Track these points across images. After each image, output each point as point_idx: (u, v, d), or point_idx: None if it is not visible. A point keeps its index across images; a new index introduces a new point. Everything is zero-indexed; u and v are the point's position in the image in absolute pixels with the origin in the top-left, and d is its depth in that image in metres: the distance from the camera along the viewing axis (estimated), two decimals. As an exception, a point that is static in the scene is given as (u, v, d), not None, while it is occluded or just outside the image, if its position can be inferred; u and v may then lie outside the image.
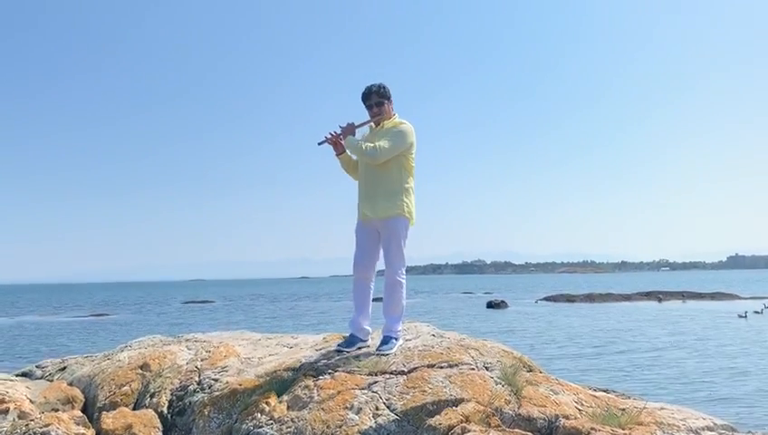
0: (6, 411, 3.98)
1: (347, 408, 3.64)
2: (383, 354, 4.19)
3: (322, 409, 3.66)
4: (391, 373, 3.95)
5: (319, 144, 4.51)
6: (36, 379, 5.16)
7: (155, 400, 4.24)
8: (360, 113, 4.50)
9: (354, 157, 4.51)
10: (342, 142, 4.44)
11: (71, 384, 4.75)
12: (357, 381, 3.88)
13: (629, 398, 4.56)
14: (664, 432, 3.48)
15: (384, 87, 4.40)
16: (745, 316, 24.41)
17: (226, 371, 4.38)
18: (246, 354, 4.72)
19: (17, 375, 5.33)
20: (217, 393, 4.07)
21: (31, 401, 4.25)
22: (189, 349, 4.87)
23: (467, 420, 3.49)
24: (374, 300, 4.51)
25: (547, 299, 41.21)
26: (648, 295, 41.63)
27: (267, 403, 3.81)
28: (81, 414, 4.15)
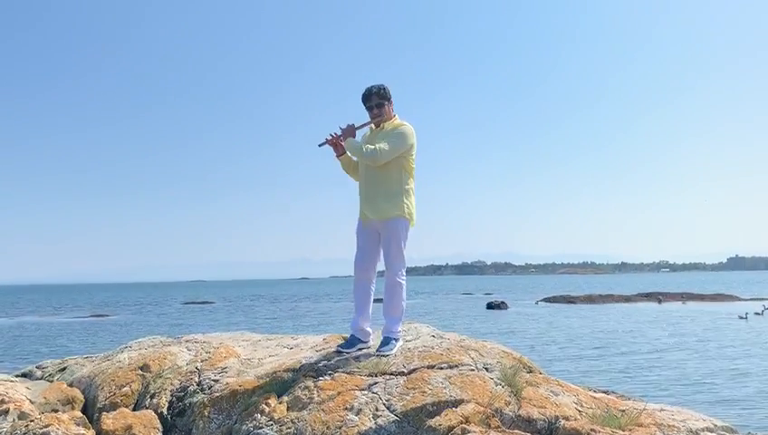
0: (6, 412, 3.98)
1: (347, 409, 3.64)
2: (383, 355, 4.19)
3: (322, 410, 3.66)
4: (391, 374, 3.95)
5: (319, 146, 4.51)
6: (36, 379, 5.16)
7: (155, 400, 4.25)
8: (361, 114, 4.51)
9: (355, 158, 4.51)
10: (343, 144, 4.44)
11: (71, 385, 4.75)
12: (357, 382, 3.89)
13: (629, 399, 4.56)
14: (664, 434, 3.49)
15: (384, 88, 4.40)
16: (746, 318, 24.41)
17: (226, 372, 4.38)
18: (246, 355, 4.72)
19: (17, 376, 5.33)
20: (217, 394, 4.07)
21: (31, 401, 4.25)
22: (189, 350, 4.87)
23: (467, 421, 3.49)
24: (374, 301, 4.51)
25: (547, 300, 41.23)
26: (649, 297, 41.65)
27: (267, 404, 3.81)
28: (81, 415, 4.15)
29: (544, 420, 3.60)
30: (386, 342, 4.31)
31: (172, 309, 43.10)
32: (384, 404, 3.66)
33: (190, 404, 4.12)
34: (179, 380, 4.39)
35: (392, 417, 3.56)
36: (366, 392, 3.76)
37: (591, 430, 3.40)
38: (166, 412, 4.15)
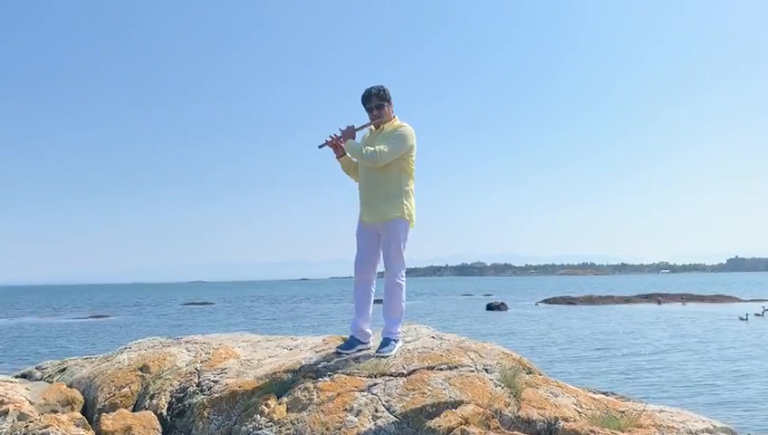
0: (6, 413, 3.98)
1: (346, 410, 3.64)
2: (383, 356, 4.19)
3: (322, 411, 3.66)
4: (391, 375, 3.95)
5: (319, 147, 4.52)
6: (36, 380, 5.16)
7: (154, 401, 4.25)
8: (361, 116, 4.51)
9: (355, 159, 4.51)
10: (343, 145, 4.45)
11: (70, 386, 4.75)
12: (356, 383, 3.88)
13: (629, 400, 4.56)
14: (663, 435, 3.48)
15: (384, 89, 4.40)
16: (746, 319, 24.40)
17: (226, 372, 4.38)
18: (246, 356, 4.72)
19: (17, 377, 5.33)
20: (217, 395, 4.07)
21: (30, 402, 4.25)
22: (189, 351, 4.87)
23: (467, 422, 3.49)
24: (374, 302, 4.51)
25: (547, 301, 41.21)
26: (648, 298, 41.64)
27: (267, 405, 3.81)
28: (81, 416, 4.15)
29: (544, 422, 3.60)
30: (385, 343, 4.31)
31: (172, 310, 43.08)
32: (384, 405, 3.66)
33: (190, 405, 4.12)
34: (179, 381, 4.39)
35: (392, 418, 3.55)
36: (365, 394, 3.76)
37: (591, 431, 3.40)
38: (165, 413, 4.15)
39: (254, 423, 3.72)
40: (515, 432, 3.47)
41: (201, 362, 4.61)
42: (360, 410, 3.62)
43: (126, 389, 4.41)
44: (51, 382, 4.98)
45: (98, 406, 4.31)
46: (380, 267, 4.50)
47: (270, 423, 3.69)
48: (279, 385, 4.02)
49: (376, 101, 4.37)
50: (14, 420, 3.93)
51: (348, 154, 4.49)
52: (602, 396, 4.42)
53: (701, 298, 40.72)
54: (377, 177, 4.34)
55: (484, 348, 4.41)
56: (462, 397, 3.68)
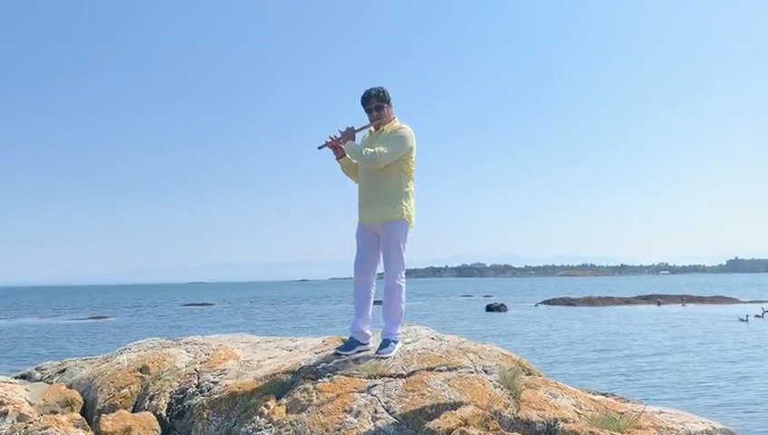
0: (5, 414, 3.98)
1: (346, 411, 3.64)
2: (382, 358, 4.19)
3: (321, 412, 3.66)
4: (390, 377, 3.95)
5: (319, 148, 4.52)
6: (35, 381, 5.16)
7: (154, 402, 4.25)
8: (361, 117, 4.52)
9: (354, 161, 4.52)
10: (342, 147, 4.45)
11: (70, 387, 4.75)
12: (356, 384, 3.89)
13: (628, 402, 4.56)
14: (663, 436, 3.48)
15: (383, 91, 4.41)
16: (747, 320, 24.40)
17: (225, 374, 4.38)
18: (245, 357, 4.72)
19: (16, 377, 5.32)
20: (216, 396, 4.07)
21: (30, 403, 4.25)
22: (188, 352, 4.87)
23: (466, 423, 3.50)
24: (374, 303, 4.51)
25: (547, 302, 41.20)
26: (648, 299, 41.64)
27: (266, 406, 3.81)
28: (80, 417, 4.15)
29: (543, 423, 3.60)
30: (385, 344, 4.31)
31: (171, 311, 43.07)
32: (383, 406, 3.66)
33: (189, 406, 4.12)
34: (178, 382, 4.39)
35: (391, 419, 3.56)
36: (365, 395, 3.76)
37: (590, 432, 3.40)
38: (165, 414, 4.15)
39: (253, 424, 3.72)
40: (515, 434, 3.47)
41: (201, 364, 4.61)
42: (360, 412, 3.62)
43: (125, 390, 4.41)
44: (50, 383, 4.98)
45: (97, 407, 4.31)
46: (380, 268, 4.51)
47: (269, 424, 3.69)
48: (278, 386, 4.02)
49: (375, 102, 4.38)
50: (13, 421, 3.93)
51: (347, 155, 4.50)
52: (602, 397, 4.42)
53: (701, 299, 40.72)
54: (376, 178, 4.34)
55: (484, 349, 4.41)
56: (461, 398, 3.68)
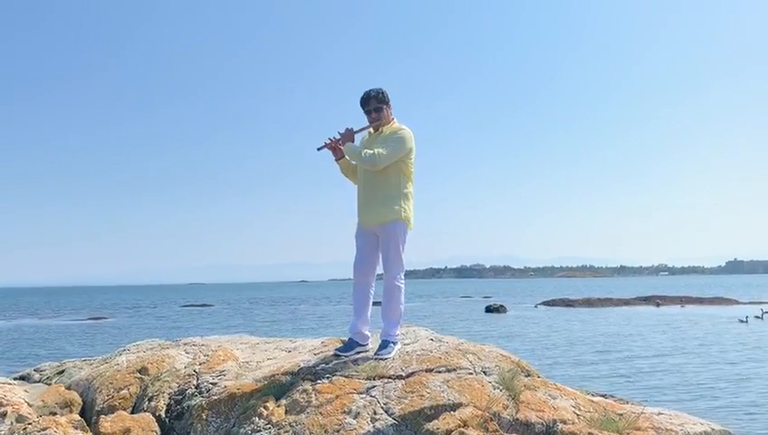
0: (4, 415, 3.98)
1: (345, 412, 3.64)
2: (381, 359, 4.19)
3: (320, 413, 3.66)
4: (389, 378, 3.95)
5: (318, 149, 4.53)
6: (34, 382, 5.15)
7: (153, 404, 4.24)
8: (361, 118, 4.52)
9: (353, 162, 4.52)
10: (341, 148, 4.45)
11: (69, 388, 4.74)
12: (355, 385, 3.89)
13: (627, 403, 4.56)
14: (662, 437, 3.48)
15: (383, 92, 4.41)
16: (746, 321, 24.41)
17: (224, 375, 4.38)
18: (245, 358, 4.72)
19: (15, 378, 5.32)
20: (215, 397, 4.07)
21: (29, 404, 4.25)
22: (188, 353, 4.87)
23: (465, 424, 3.50)
24: (373, 304, 4.51)
25: (546, 303, 41.22)
26: (647, 300, 41.64)
27: (265, 407, 3.81)
28: (79, 418, 4.15)
29: (542, 424, 3.60)
30: (384, 345, 4.31)
31: (170, 312, 43.05)
32: (382, 408, 3.66)
33: (188, 407, 4.11)
34: (177, 383, 4.39)
35: (390, 420, 3.56)
36: (364, 396, 3.76)
37: (589, 433, 3.40)
38: (164, 415, 4.15)
39: (252, 425, 3.72)
40: (514, 435, 3.47)
41: (200, 365, 4.61)
42: (359, 413, 3.62)
43: (124, 391, 4.40)
44: (49, 384, 4.98)
45: (96, 408, 4.31)
46: (380, 269, 4.51)
47: (268, 425, 3.69)
48: (277, 387, 4.02)
49: (374, 103, 4.38)
50: (12, 422, 3.92)
51: (347, 157, 4.50)
52: (601, 399, 4.42)
53: (700, 301, 40.73)
54: (376, 179, 4.35)
55: (483, 350, 4.41)
56: (460, 399, 3.68)
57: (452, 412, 3.58)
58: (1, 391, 4.32)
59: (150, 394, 4.34)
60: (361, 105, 4.44)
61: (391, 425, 3.53)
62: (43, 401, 4.35)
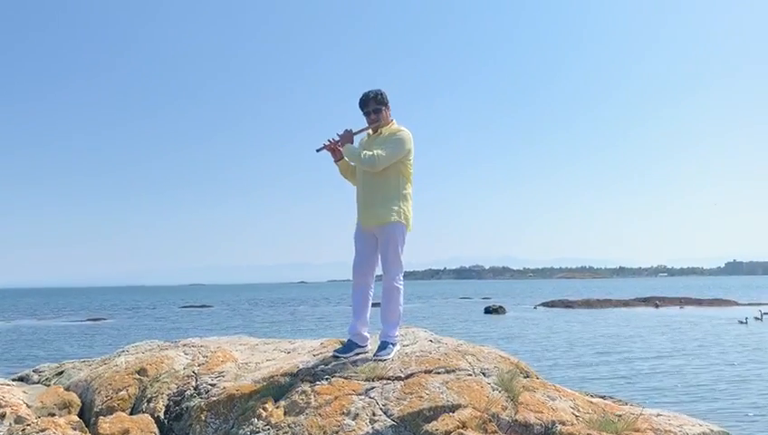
0: (3, 416, 3.97)
1: (344, 413, 3.64)
2: (380, 360, 4.19)
3: (319, 414, 3.66)
4: (388, 379, 3.95)
5: (317, 151, 4.53)
6: (33, 383, 5.15)
7: (152, 405, 4.24)
8: (361, 120, 4.52)
9: (352, 163, 4.52)
10: (341, 149, 4.45)
11: (68, 389, 4.74)
12: (354, 386, 3.88)
13: (626, 404, 4.57)
14: (660, 439, 3.48)
15: (381, 93, 4.41)
16: (746, 322, 24.42)
17: (223, 376, 4.38)
18: (244, 359, 4.72)
19: (14, 380, 5.32)
20: (214, 398, 4.07)
21: (28, 405, 4.24)
22: (186, 354, 4.87)
23: (464, 426, 3.50)
24: (373, 305, 4.51)
25: (545, 304, 41.21)
26: (646, 301, 41.64)
27: (264, 408, 3.81)
28: (78, 419, 4.14)
29: (541, 425, 3.60)
30: (383, 346, 4.31)
31: (170, 313, 43.01)
32: (381, 409, 3.66)
33: (187, 408, 4.11)
34: (176, 384, 4.39)
35: (389, 422, 3.55)
36: (363, 397, 3.76)
37: (588, 434, 3.40)
38: (163, 417, 4.14)
39: (251, 427, 3.72)
40: (513, 436, 3.47)
41: (199, 366, 4.60)
42: (358, 414, 3.62)
43: (123, 392, 4.40)
44: (48, 386, 4.98)
45: (95, 409, 4.31)
46: (379, 271, 4.51)
47: (267, 427, 3.68)
48: (276, 389, 4.02)
49: (373, 105, 4.38)
50: (11, 424, 3.92)
51: (346, 158, 4.50)
52: (600, 400, 4.42)
53: (699, 302, 40.70)
54: (375, 180, 4.35)
55: (482, 352, 4.41)
56: (459, 401, 3.68)
57: (451, 414, 3.58)
58: (0, 393, 4.32)
59: (149, 395, 4.34)
60: (360, 107, 4.45)
61: (390, 426, 3.53)
62: (41, 402, 4.35)
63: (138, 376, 4.55)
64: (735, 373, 12.35)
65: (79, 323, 33.05)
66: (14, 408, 4.08)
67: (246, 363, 4.61)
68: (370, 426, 3.53)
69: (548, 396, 3.92)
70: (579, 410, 3.83)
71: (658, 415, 3.95)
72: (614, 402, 4.54)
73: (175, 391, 4.32)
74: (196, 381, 4.38)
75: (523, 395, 3.85)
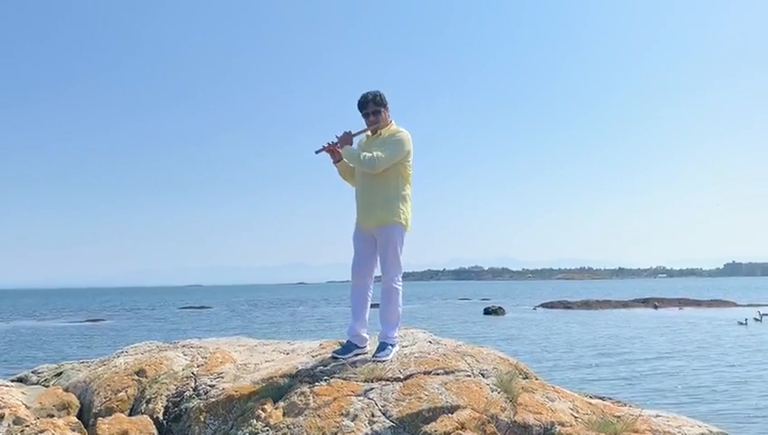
0: (2, 417, 3.97)
1: (343, 414, 3.64)
2: (379, 361, 4.19)
3: (318, 415, 3.66)
4: (387, 380, 3.95)
5: (316, 152, 4.53)
6: (32, 384, 5.14)
7: (151, 406, 4.24)
8: (360, 121, 4.52)
9: (352, 165, 4.52)
10: (340, 151, 4.45)
11: (66, 390, 4.74)
12: (353, 387, 3.88)
13: (625, 405, 4.57)
14: (659, 440, 3.48)
15: (380, 95, 4.41)
16: (745, 323, 24.44)
17: (222, 377, 4.38)
18: (243, 361, 4.72)
19: (13, 381, 5.31)
20: (213, 400, 4.06)
21: (26, 406, 4.24)
22: (185, 355, 4.87)
23: (463, 427, 3.49)
24: (372, 306, 4.51)
25: (545, 306, 41.21)
26: (646, 302, 41.64)
27: (263, 410, 3.81)
28: (77, 420, 4.14)
29: (540, 427, 3.60)
30: (382, 347, 4.31)
31: (169, 314, 42.99)
32: (380, 410, 3.66)
33: (186, 409, 4.11)
34: (175, 385, 4.39)
35: (388, 423, 3.55)
36: (362, 398, 3.76)
37: (587, 436, 3.40)
38: (161, 418, 4.14)
39: (250, 428, 3.71)
40: (512, 437, 3.47)
41: (198, 367, 4.60)
42: (357, 415, 3.62)
43: (122, 393, 4.40)
44: (47, 386, 4.97)
45: (94, 410, 4.31)
46: (378, 272, 4.51)
47: (266, 428, 3.68)
48: (275, 390, 4.02)
49: (372, 106, 4.39)
50: (9, 425, 3.92)
51: (345, 160, 4.50)
52: (599, 401, 4.42)
53: (698, 303, 40.72)
54: (374, 182, 4.35)
55: (481, 353, 4.41)
56: (458, 402, 3.68)
57: (450, 415, 3.58)
58: (-2, 394, 4.31)
59: (148, 396, 4.34)
60: (359, 108, 4.45)
61: (389, 427, 3.53)
62: (40, 403, 4.34)
63: (137, 377, 4.54)
64: (736, 375, 12.35)
65: (78, 324, 33.03)
66: (13, 409, 4.08)
67: (245, 364, 4.61)
68: (369, 427, 3.53)
69: (547, 397, 3.92)
70: (578, 412, 3.83)
71: (657, 416, 3.95)
72: (613, 404, 4.54)
73: (174, 392, 4.32)
74: (195, 382, 4.38)
75: (522, 396, 3.84)
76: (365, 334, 4.48)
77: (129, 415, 4.20)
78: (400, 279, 4.42)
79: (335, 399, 3.77)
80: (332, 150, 4.49)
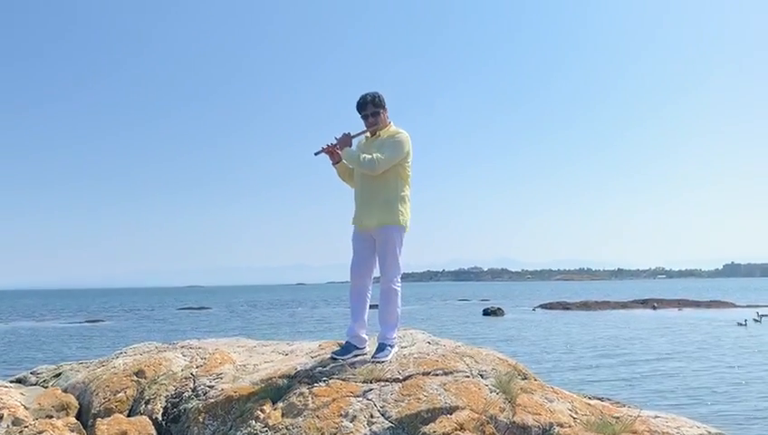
0: (0, 418, 3.97)
1: (341, 415, 3.64)
2: (378, 362, 4.19)
3: (317, 416, 3.66)
4: (386, 381, 3.95)
5: (315, 154, 4.53)
6: (31, 385, 5.14)
7: (150, 406, 4.24)
8: (358, 122, 4.53)
9: (351, 166, 4.53)
10: (339, 152, 4.46)
11: (65, 391, 4.74)
12: (352, 388, 3.89)
13: (624, 406, 4.57)
14: (658, 441, 3.49)
15: (379, 96, 4.41)
16: (745, 324, 24.45)
17: (221, 378, 4.38)
18: (242, 361, 4.72)
19: (12, 381, 5.31)
20: (212, 400, 4.06)
21: (25, 407, 4.24)
22: (184, 356, 4.87)
23: (462, 427, 3.50)
24: (371, 307, 4.52)
25: (544, 306, 41.21)
26: (645, 303, 41.64)
27: (262, 410, 3.81)
28: (76, 421, 4.14)
29: (539, 427, 3.60)
30: (381, 348, 4.31)
31: (168, 314, 42.96)
32: (379, 411, 3.66)
33: (185, 410, 4.11)
34: (174, 386, 4.39)
35: (387, 423, 3.56)
36: (361, 399, 3.76)
37: (586, 437, 3.40)
38: (160, 418, 4.14)
39: (249, 429, 3.71)
40: (510, 438, 3.47)
41: (197, 368, 4.60)
42: (356, 416, 3.62)
43: (121, 394, 4.40)
44: (46, 387, 4.97)
45: (93, 411, 4.31)
46: (377, 272, 4.52)
47: (265, 429, 3.68)
48: (274, 390, 4.02)
49: (371, 108, 4.39)
50: (8, 426, 3.92)
51: (344, 161, 4.51)
52: (597, 402, 4.43)
53: (697, 304, 40.73)
54: (373, 183, 4.35)
55: (480, 353, 4.41)
56: (457, 402, 3.68)
57: (448, 415, 3.58)
58: (-3, 394, 4.31)
59: (147, 397, 4.34)
60: (358, 109, 4.45)
61: (388, 428, 3.53)
62: (39, 404, 4.34)
63: (135, 378, 4.54)
64: (735, 376, 12.35)
65: (77, 325, 33.01)
66: (12, 410, 4.08)
67: (244, 365, 4.61)
68: (368, 428, 3.53)
69: (546, 398, 3.92)
70: (576, 412, 3.83)
71: (656, 417, 3.95)
72: (612, 404, 4.55)
73: (173, 392, 4.32)
74: (194, 382, 4.38)
75: (521, 397, 3.85)
76: (364, 335, 4.48)
77: (128, 416, 4.20)
78: (399, 280, 4.43)
79: (334, 400, 3.77)
80: (331, 152, 4.49)
